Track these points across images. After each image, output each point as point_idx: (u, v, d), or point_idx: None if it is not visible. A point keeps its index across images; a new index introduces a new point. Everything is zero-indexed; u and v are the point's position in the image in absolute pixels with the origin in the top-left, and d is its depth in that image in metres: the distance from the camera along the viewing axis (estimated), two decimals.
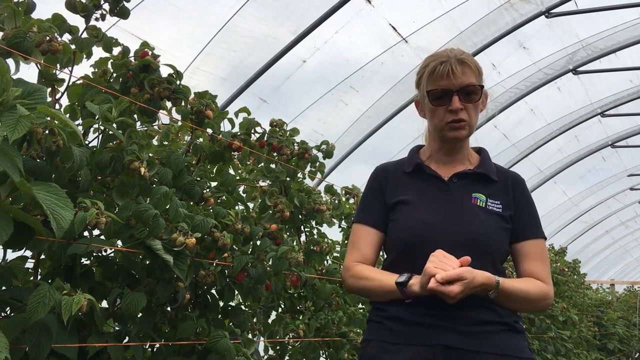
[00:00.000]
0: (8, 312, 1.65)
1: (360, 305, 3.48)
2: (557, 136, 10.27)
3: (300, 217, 3.02)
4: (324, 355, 3.04)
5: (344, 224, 3.53)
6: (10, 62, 1.69)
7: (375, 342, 1.58)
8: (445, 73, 1.56)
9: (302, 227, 3.14)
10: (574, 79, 8.80)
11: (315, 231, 3.21)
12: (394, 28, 6.36)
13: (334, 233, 3.57)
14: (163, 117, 2.45)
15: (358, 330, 3.16)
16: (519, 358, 1.53)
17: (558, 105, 9.48)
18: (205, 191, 2.24)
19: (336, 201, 3.44)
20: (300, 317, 2.96)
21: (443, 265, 1.43)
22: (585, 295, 8.87)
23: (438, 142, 1.67)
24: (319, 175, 3.20)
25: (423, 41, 6.56)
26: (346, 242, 3.76)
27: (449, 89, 1.57)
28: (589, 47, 8.11)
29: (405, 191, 1.64)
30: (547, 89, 8.80)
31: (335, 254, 3.41)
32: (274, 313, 2.86)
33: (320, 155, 3.14)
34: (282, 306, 2.99)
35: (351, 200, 3.64)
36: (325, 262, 3.15)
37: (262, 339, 2.75)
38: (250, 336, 2.51)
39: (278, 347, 2.84)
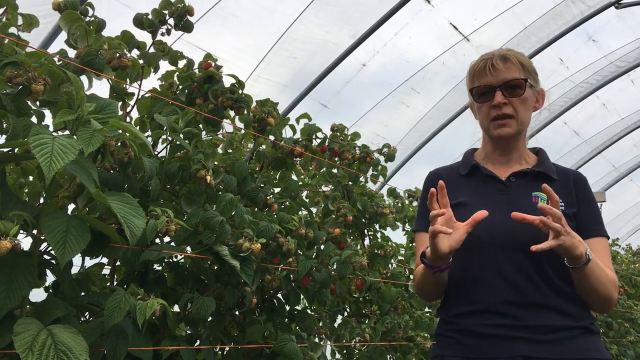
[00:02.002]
0: (87, 317, 1.73)
1: (427, 309, 3.44)
2: (633, 131, 9.80)
3: (363, 220, 3.02)
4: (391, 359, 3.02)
5: (407, 227, 3.50)
6: (83, 78, 1.78)
7: (450, 358, 1.55)
8: (486, 69, 1.56)
9: (365, 230, 3.14)
10: None
11: (379, 235, 3.19)
12: (455, 27, 6.25)
13: (398, 236, 3.55)
14: (227, 126, 2.52)
15: (425, 335, 3.12)
16: None
17: (632, 99, 9.04)
18: (269, 197, 2.28)
19: (399, 204, 3.41)
20: (366, 321, 2.95)
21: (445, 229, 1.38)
22: None
23: (491, 143, 1.65)
24: (381, 179, 3.19)
25: (485, 39, 6.42)
26: (410, 245, 3.72)
27: (491, 85, 1.56)
28: None
29: (462, 193, 1.61)
30: (620, 82, 8.41)
31: (399, 257, 3.38)
32: (339, 317, 2.86)
33: (382, 158, 3.12)
34: (348, 310, 3.00)
35: (414, 203, 3.60)
36: (390, 265, 3.13)
37: (328, 342, 2.76)
38: (316, 340, 2.52)
39: (345, 351, 2.84)
